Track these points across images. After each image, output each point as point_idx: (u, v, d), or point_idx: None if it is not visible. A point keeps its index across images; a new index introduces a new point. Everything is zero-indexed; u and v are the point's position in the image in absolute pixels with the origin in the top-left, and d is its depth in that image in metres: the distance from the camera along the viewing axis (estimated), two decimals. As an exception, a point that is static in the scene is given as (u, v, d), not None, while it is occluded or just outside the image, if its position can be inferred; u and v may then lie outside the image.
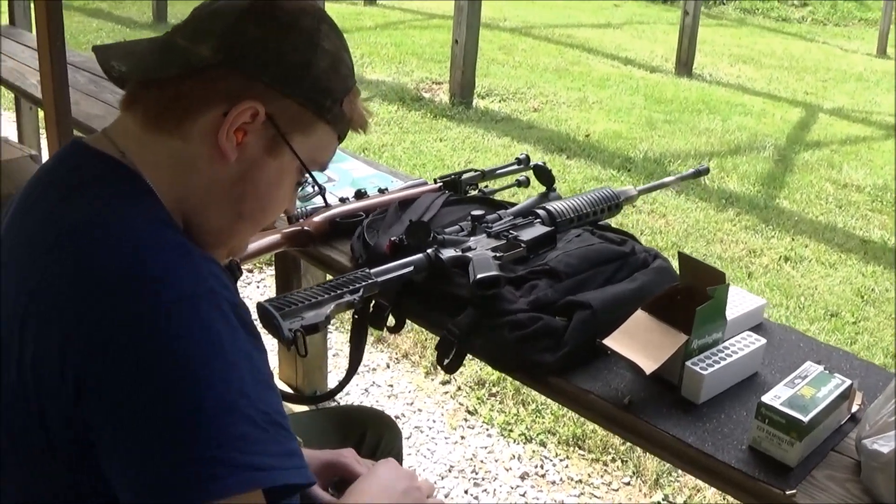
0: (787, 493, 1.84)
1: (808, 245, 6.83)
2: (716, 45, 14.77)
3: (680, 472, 4.03)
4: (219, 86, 1.58)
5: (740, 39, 15.91)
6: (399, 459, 2.58)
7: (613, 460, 4.17)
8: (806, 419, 1.88)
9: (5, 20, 7.42)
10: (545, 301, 2.28)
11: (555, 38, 14.55)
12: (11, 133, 7.50)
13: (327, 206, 2.84)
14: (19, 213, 1.64)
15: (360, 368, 4.73)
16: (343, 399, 4.54)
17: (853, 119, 10.89)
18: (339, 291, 2.24)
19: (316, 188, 1.80)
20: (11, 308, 1.49)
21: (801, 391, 1.97)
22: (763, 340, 2.27)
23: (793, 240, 6.89)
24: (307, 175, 1.73)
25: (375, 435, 2.55)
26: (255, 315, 1.79)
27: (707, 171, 3.07)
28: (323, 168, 1.78)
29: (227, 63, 1.57)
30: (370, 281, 2.30)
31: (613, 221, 2.87)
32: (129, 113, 1.63)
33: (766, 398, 1.93)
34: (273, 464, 1.42)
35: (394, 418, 2.76)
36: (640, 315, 2.17)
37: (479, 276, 2.28)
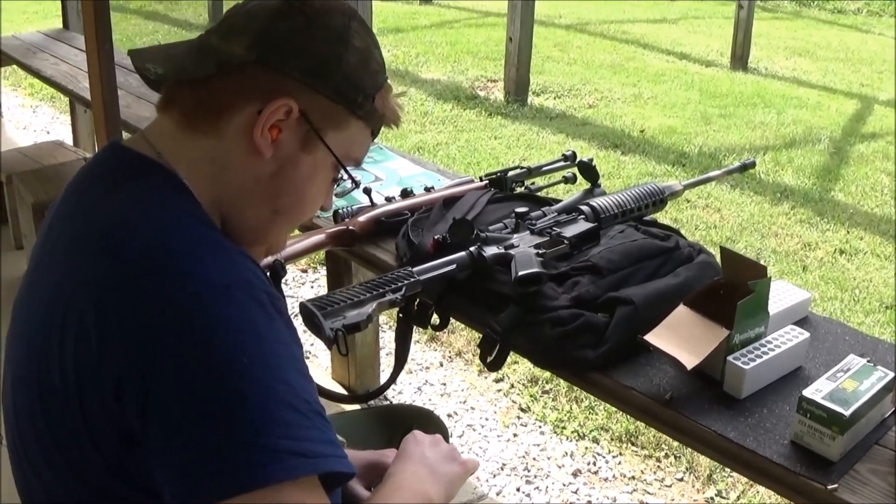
0: (829, 487, 1.84)
1: (863, 237, 6.77)
2: (771, 39, 14.65)
3: (733, 467, 4.02)
4: (252, 83, 1.61)
5: (796, 32, 15.77)
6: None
7: (667, 456, 4.15)
8: (847, 413, 1.87)
9: (60, 23, 7.49)
10: (587, 297, 2.29)
11: (610, 34, 14.49)
12: (67, 136, 7.57)
13: (373, 205, 2.86)
14: (60, 214, 1.68)
15: (413, 367, 4.78)
16: (395, 398, 4.56)
17: (910, 110, 10.79)
18: (381, 290, 2.25)
19: (352, 184, 1.82)
20: (52, 307, 1.52)
21: (842, 384, 1.96)
22: (806, 334, 2.26)
23: (848, 232, 6.83)
24: (343, 171, 1.75)
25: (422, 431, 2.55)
26: (297, 314, 1.81)
27: (753, 164, 3.05)
28: (358, 163, 1.81)
29: (261, 60, 1.60)
30: (412, 279, 2.31)
31: (667, 216, 2.86)
32: (165, 114, 1.67)
33: (807, 392, 1.93)
34: (317, 450, 1.42)
35: (443, 417, 2.76)
36: (681, 310, 2.17)
37: (520, 273, 2.28)
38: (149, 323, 1.39)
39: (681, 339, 2.10)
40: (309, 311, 2.12)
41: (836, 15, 18.01)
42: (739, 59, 12.41)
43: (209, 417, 1.36)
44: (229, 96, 1.62)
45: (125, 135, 4.29)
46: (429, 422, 2.64)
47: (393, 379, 2.58)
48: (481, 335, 2.35)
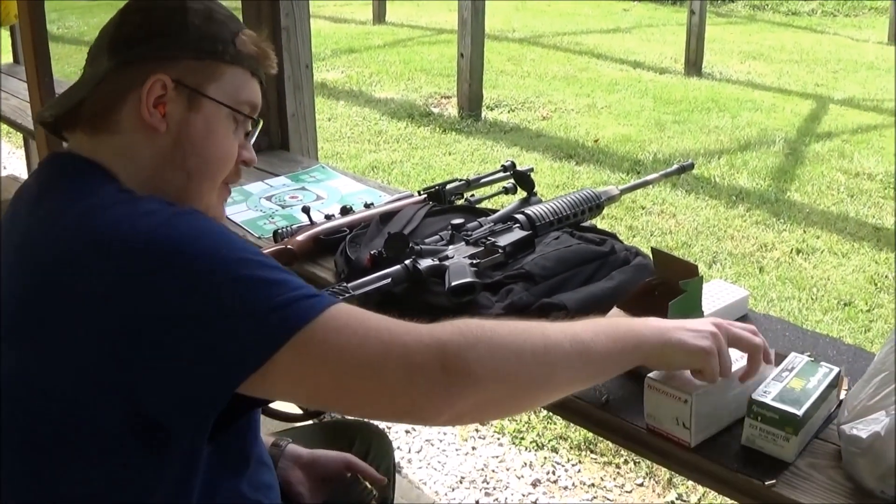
0: (767, 483, 1.83)
1: (820, 236, 6.81)
2: (725, 43, 14.75)
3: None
4: (123, 79, 1.76)
5: (750, 36, 15.87)
6: (390, 471, 2.60)
7: (626, 462, 4.16)
8: (801, 412, 1.86)
9: (9, 58, 7.45)
10: (520, 305, 2.28)
11: (563, 45, 14.56)
12: (22, 170, 7.54)
13: (312, 223, 2.85)
14: (8, 222, 1.76)
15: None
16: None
17: (864, 108, 10.84)
18: (315, 307, 2.24)
19: (255, 125, 1.92)
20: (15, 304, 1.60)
21: (790, 384, 1.95)
22: (746, 331, 2.25)
23: (804, 232, 6.87)
24: (241, 117, 1.87)
25: (364, 444, 2.58)
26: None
27: (692, 166, 3.05)
28: (255, 109, 1.91)
29: (122, 60, 1.76)
30: (347, 295, 2.29)
31: (622, 224, 2.87)
32: (72, 135, 1.82)
33: (756, 395, 1.91)
34: (316, 291, 1.52)
35: (401, 433, 2.75)
36: (615, 313, 2.16)
37: (453, 283, 2.28)
38: (129, 263, 1.49)
39: (615, 341, 2.09)
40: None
41: (791, 17, 18.15)
42: (693, 64, 12.48)
43: (218, 313, 1.45)
44: (110, 97, 1.75)
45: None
46: (370, 433, 2.67)
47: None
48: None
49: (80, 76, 1.85)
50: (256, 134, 1.95)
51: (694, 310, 2.18)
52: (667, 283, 2.19)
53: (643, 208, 7.05)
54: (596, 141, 9.15)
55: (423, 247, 2.48)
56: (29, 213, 1.69)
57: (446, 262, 2.41)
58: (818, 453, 1.92)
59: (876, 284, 6.04)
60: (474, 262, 2.41)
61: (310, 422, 2.86)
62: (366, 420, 2.70)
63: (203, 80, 1.80)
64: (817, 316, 5.56)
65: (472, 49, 9.86)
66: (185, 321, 1.44)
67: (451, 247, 2.51)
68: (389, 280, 2.38)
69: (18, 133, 7.99)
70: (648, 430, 1.98)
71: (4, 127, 9.07)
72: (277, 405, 2.11)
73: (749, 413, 1.91)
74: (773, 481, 1.83)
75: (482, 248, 2.49)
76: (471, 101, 10.09)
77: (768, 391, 1.92)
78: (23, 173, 7.18)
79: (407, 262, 2.41)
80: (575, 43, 14.73)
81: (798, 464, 1.89)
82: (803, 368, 2.01)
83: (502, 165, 3.15)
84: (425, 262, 2.41)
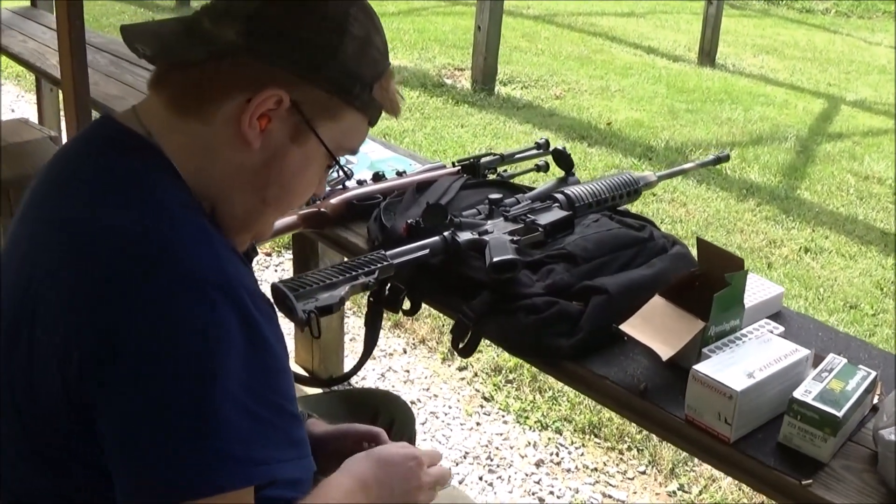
0: (804, 482, 1.83)
1: (829, 236, 6.79)
2: (739, 36, 14.70)
3: (696, 461, 4.02)
4: (243, 72, 1.56)
5: (764, 30, 15.82)
6: (412, 441, 2.58)
7: (629, 449, 4.15)
8: (840, 414, 1.85)
9: (28, 0, 7.42)
10: (561, 285, 2.27)
11: (578, 26, 14.50)
12: (32, 114, 7.50)
13: (344, 188, 2.84)
14: (45, 186, 1.65)
15: (377, 353, 4.75)
16: (359, 383, 4.53)
17: (876, 111, 10.80)
18: (353, 273, 2.22)
19: (342, 174, 1.78)
20: (25, 286, 1.51)
21: (829, 385, 1.94)
22: (781, 328, 2.25)
23: (813, 231, 6.86)
24: (334, 161, 1.70)
25: (387, 417, 2.53)
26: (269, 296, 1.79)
27: (727, 157, 3.04)
28: (353, 153, 1.77)
29: (252, 48, 1.55)
30: (385, 263, 2.28)
31: (634, 209, 2.85)
32: (155, 93, 1.63)
33: (797, 394, 1.90)
34: (272, 456, 1.45)
35: (408, 402, 2.74)
36: (657, 301, 2.15)
37: (495, 259, 2.27)
38: (120, 310, 1.38)
39: (656, 329, 2.08)
40: (281, 293, 2.09)
41: (805, 14, 18.09)
42: (707, 54, 12.44)
43: (167, 418, 1.36)
44: (218, 84, 1.57)
45: (94, 113, 4.26)
46: (394, 405, 2.64)
47: (362, 363, 2.54)
48: (453, 321, 2.32)
49: (191, 19, 1.61)
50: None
51: (737, 303, 2.18)
52: (709, 275, 2.18)
53: (654, 195, 7.04)
54: (609, 123, 9.12)
55: (461, 219, 2.46)
56: (75, 195, 1.56)
57: (486, 237, 2.39)
58: (852, 456, 1.93)
59: (882, 289, 6.03)
60: (514, 238, 2.40)
61: (329, 389, 2.84)
62: (386, 390, 2.68)
63: (320, 116, 1.62)
64: (823, 316, 5.55)
65: (489, 23, 9.79)
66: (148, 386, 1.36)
67: (489, 222, 2.50)
68: (428, 251, 2.36)
69: (29, 76, 7.98)
70: (687, 421, 1.97)
71: (14, 69, 9.07)
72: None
73: (789, 411, 1.91)
74: (810, 481, 1.83)
75: (521, 225, 2.48)
76: (485, 75, 10.04)
77: (809, 391, 1.92)
78: (32, 117, 7.11)
79: (445, 233, 2.39)
80: (589, 24, 14.68)
81: (832, 465, 1.89)
82: (842, 370, 2.01)
83: (536, 143, 3.14)
84: (464, 236, 2.40)
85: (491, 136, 8.50)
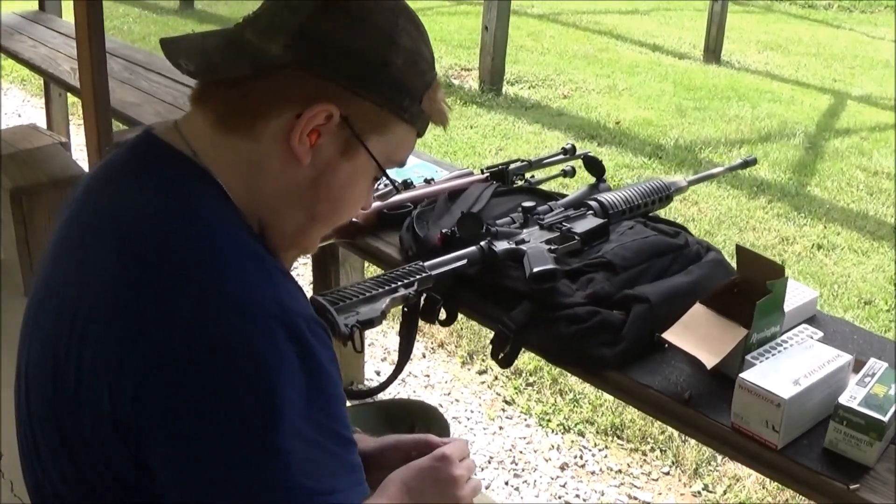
0: (851, 487, 1.84)
1: (840, 233, 6.79)
2: (743, 32, 14.67)
3: (719, 461, 4.03)
4: (291, 87, 1.54)
5: (767, 26, 15.80)
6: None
7: (652, 450, 4.15)
8: (886, 418, 1.87)
9: (36, 5, 7.41)
10: (602, 294, 2.28)
11: (582, 24, 14.49)
12: (38, 119, 7.50)
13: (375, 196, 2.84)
14: (86, 205, 1.63)
15: (395, 358, 4.74)
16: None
17: (882, 106, 10.78)
18: (393, 285, 2.22)
19: (393, 189, 1.78)
20: (74, 305, 1.49)
21: (873, 390, 1.95)
22: (820, 333, 2.26)
23: (825, 227, 6.85)
24: (384, 174, 1.69)
25: (423, 428, 2.50)
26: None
27: (755, 161, 3.06)
28: (401, 165, 1.76)
29: (300, 63, 1.53)
30: (424, 274, 2.29)
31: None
32: (199, 110, 1.61)
33: (843, 399, 1.91)
34: (335, 486, 1.44)
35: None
36: (698, 309, 2.16)
37: (535, 269, 2.27)
38: (179, 347, 1.37)
39: (699, 337, 2.09)
40: (321, 307, 2.09)
41: (807, 10, 18.05)
42: (712, 52, 12.42)
43: (235, 458, 1.36)
44: (266, 100, 1.55)
45: (114, 123, 4.26)
46: (430, 416, 2.62)
47: (397, 373, 2.55)
48: (475, 326, 2.33)
49: (234, 31, 1.60)
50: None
51: (777, 309, 2.19)
52: (748, 281, 2.18)
53: (665, 194, 7.02)
54: (618, 123, 9.12)
55: (497, 229, 2.47)
56: (122, 206, 1.55)
57: (523, 247, 2.40)
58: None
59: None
60: (551, 247, 2.41)
61: (367, 400, 2.83)
62: (421, 401, 2.67)
63: (371, 130, 1.60)
64: (838, 313, 5.53)
65: (496, 22, 9.78)
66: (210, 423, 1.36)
67: (524, 230, 2.51)
68: (465, 261, 2.37)
69: (36, 81, 7.97)
70: (733, 428, 1.98)
71: (20, 73, 9.06)
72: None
73: (835, 417, 1.92)
74: (857, 485, 1.84)
75: (557, 233, 2.49)
76: (493, 76, 10.02)
77: (854, 396, 1.93)
78: (40, 122, 7.09)
79: (482, 243, 2.40)
80: (594, 22, 14.66)
81: (878, 468, 1.90)
82: (884, 375, 2.01)
83: (562, 148, 3.14)
84: (501, 245, 2.41)
85: (501, 137, 8.50)
